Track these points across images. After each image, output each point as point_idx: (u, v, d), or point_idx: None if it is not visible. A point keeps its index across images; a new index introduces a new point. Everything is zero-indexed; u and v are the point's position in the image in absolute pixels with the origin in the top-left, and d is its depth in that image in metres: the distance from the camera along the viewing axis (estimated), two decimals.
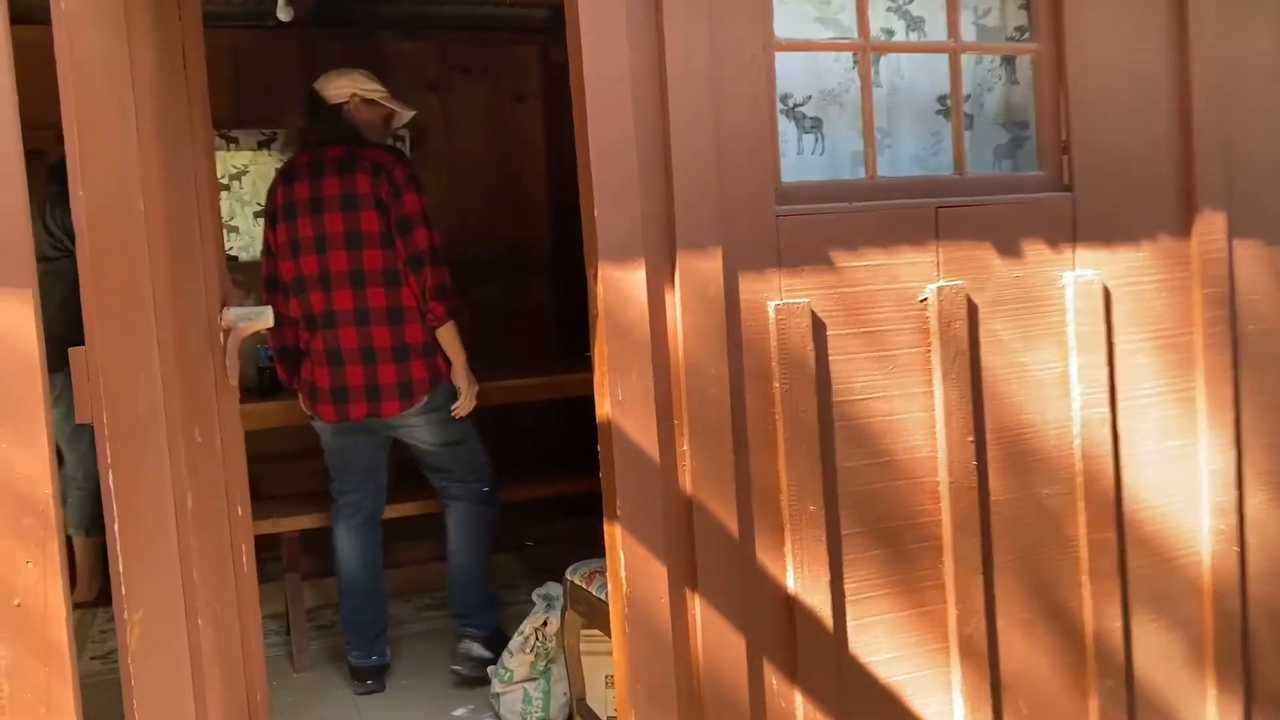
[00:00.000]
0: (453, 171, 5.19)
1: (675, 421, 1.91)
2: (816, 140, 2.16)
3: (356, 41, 4.95)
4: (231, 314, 2.22)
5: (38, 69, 1.76)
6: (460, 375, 3.05)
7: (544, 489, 3.81)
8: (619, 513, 1.87)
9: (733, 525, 1.93)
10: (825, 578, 2.00)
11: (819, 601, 2.00)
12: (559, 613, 2.63)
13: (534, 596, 2.77)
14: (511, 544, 4.04)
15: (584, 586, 2.37)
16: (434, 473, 3.23)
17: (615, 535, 1.90)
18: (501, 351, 5.27)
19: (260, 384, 3.59)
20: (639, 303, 1.86)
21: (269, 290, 3.12)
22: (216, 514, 2.15)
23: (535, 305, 5.33)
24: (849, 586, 2.05)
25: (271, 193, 3.16)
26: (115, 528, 1.60)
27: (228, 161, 4.81)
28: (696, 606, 1.92)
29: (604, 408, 1.88)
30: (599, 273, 1.85)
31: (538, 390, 3.76)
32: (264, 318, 2.24)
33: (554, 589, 2.74)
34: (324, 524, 3.31)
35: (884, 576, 2.09)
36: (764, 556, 1.98)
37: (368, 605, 3.15)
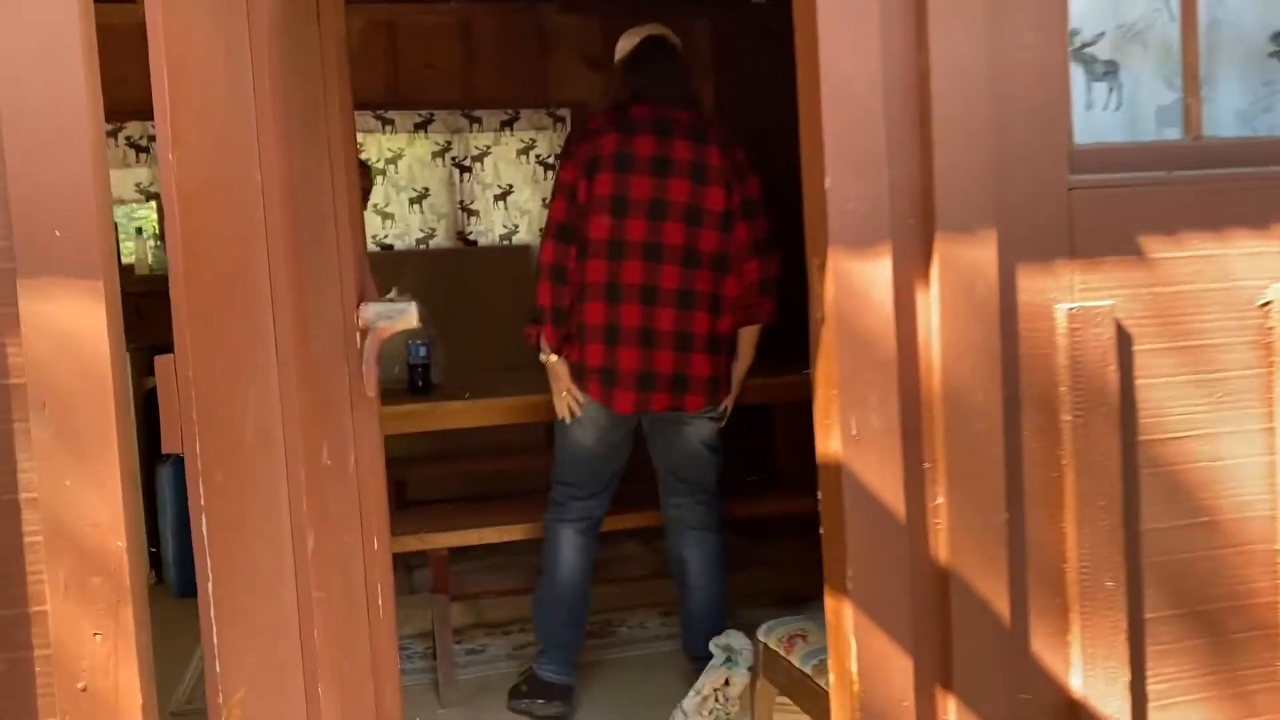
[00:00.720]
0: None
1: (927, 465, 1.41)
2: (1110, 90, 1.62)
3: (517, 16, 4.61)
4: (370, 311, 1.85)
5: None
6: (740, 378, 2.75)
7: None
8: (850, 585, 1.39)
9: (1001, 605, 1.42)
10: (1123, 676, 1.47)
11: (1115, 708, 1.47)
12: (742, 669, 2.18)
13: (712, 646, 2.33)
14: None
15: (782, 654, 1.91)
16: (681, 486, 2.81)
17: (843, 614, 1.42)
18: None
19: (411, 382, 3.27)
20: (882, 306, 1.37)
21: (559, 239, 2.62)
22: (347, 551, 1.79)
23: None
24: (1154, 688, 1.51)
25: (591, 136, 2.63)
26: (209, 588, 1.24)
27: (383, 145, 4.55)
28: (951, 712, 1.42)
29: (829, 444, 1.41)
30: (828, 264, 1.37)
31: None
32: (407, 316, 1.86)
33: (736, 639, 2.29)
34: (479, 541, 2.96)
35: (1201, 675, 1.53)
36: (1040, 647, 1.46)
37: (575, 619, 2.79)
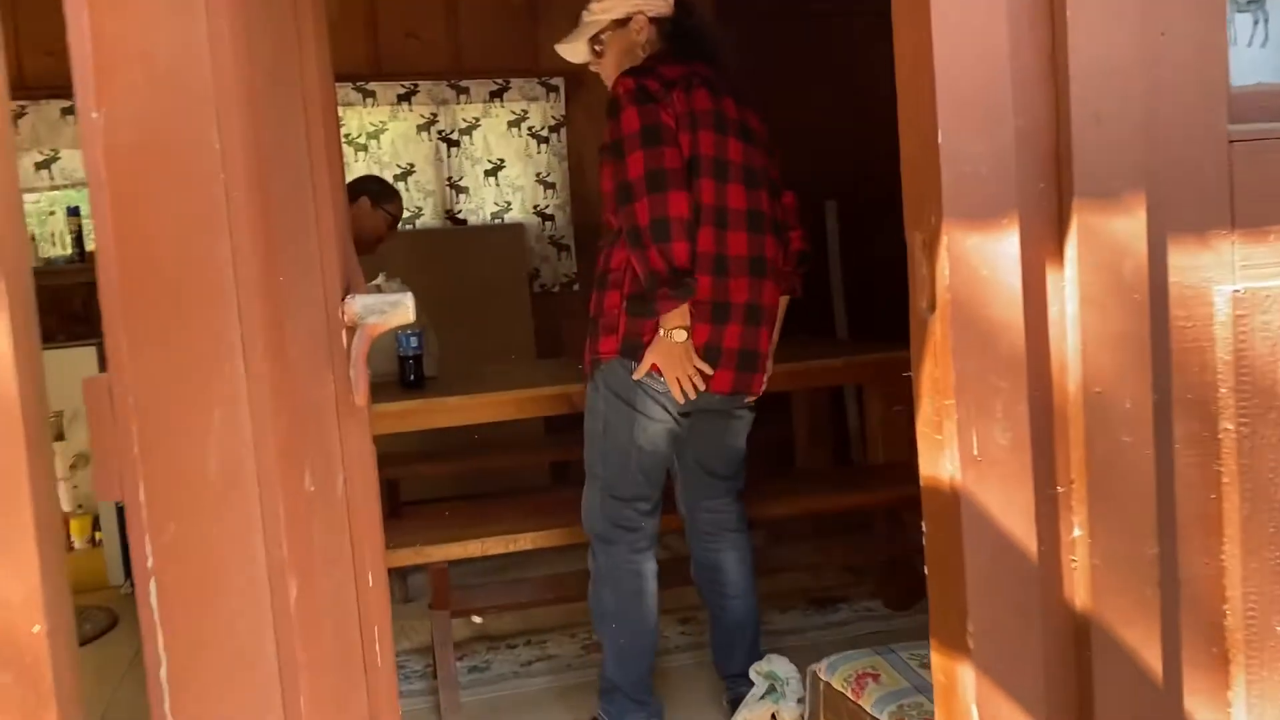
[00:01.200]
0: None
1: (1060, 490, 1.13)
2: (1256, 23, 1.34)
3: None
4: (358, 305, 1.55)
5: None
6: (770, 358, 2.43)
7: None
8: (971, 642, 1.11)
9: (1152, 658, 1.15)
10: None
11: None
12: (791, 703, 1.91)
13: (753, 674, 2.06)
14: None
15: (850, 697, 1.63)
16: (719, 485, 2.48)
17: (958, 676, 1.14)
18: None
19: (402, 376, 2.97)
20: (1010, 292, 1.09)
21: (685, 189, 2.12)
22: (336, 592, 1.50)
23: None
24: None
25: (678, 87, 2.19)
26: (163, 675, 0.95)
27: (364, 119, 4.22)
28: None
29: (940, 466, 1.13)
30: (941, 241, 1.08)
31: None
32: (402, 309, 1.56)
33: (781, 666, 2.02)
34: (482, 553, 2.67)
35: None
36: (1195, 705, 1.19)
37: (649, 669, 2.37)
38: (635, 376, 2.20)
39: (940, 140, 1.06)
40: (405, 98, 4.23)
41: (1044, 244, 1.10)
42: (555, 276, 4.39)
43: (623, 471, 2.27)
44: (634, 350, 2.20)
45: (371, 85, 4.18)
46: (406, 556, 2.61)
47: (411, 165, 4.25)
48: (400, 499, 3.70)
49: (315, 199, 1.57)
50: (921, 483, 1.15)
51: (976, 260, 1.07)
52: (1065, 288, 1.11)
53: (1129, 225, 1.10)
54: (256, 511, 1.23)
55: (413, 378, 2.95)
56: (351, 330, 1.57)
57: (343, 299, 1.57)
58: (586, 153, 4.44)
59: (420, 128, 4.25)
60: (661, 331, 2.15)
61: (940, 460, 1.12)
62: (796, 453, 3.60)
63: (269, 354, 1.29)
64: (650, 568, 2.31)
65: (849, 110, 4.72)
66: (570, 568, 3.28)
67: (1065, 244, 1.10)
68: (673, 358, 2.16)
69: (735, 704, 2.31)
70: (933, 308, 1.10)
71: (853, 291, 4.66)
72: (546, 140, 4.35)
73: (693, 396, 2.20)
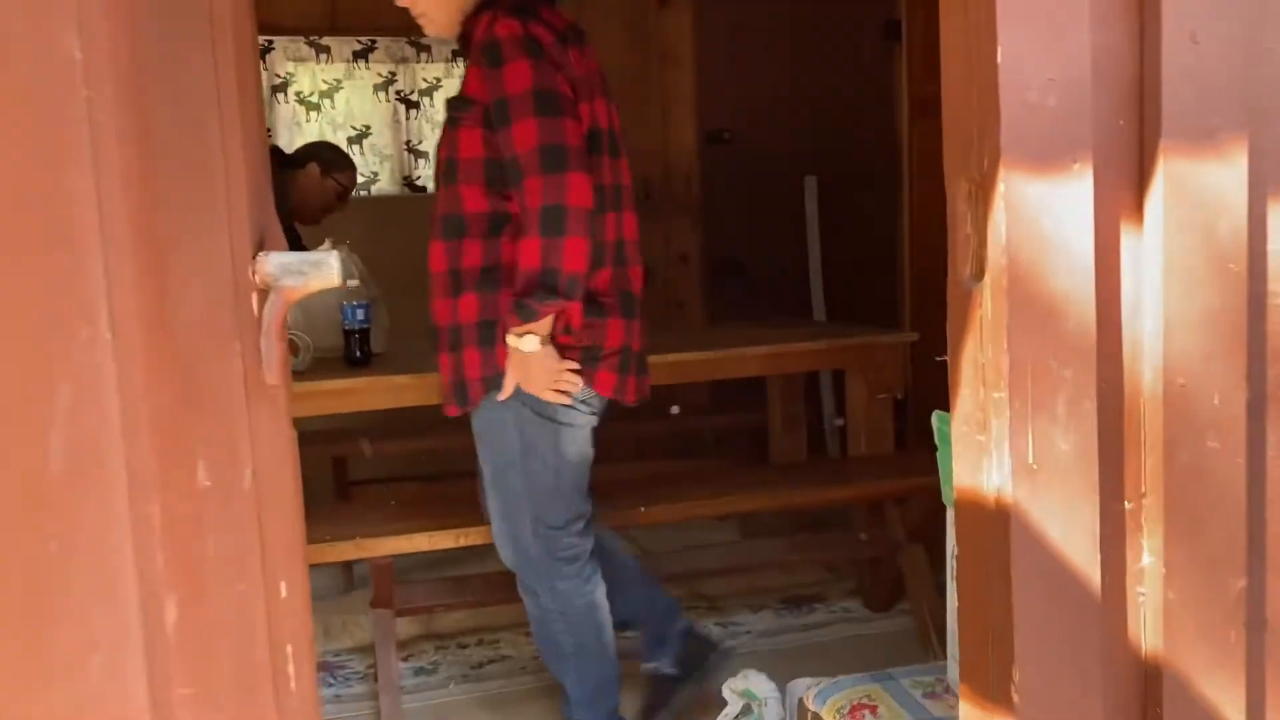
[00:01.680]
0: None
1: (1129, 506, 0.90)
2: None
3: None
4: (272, 264, 1.29)
5: None
6: None
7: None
8: (1016, 695, 0.88)
9: (1235, 714, 0.93)
10: None
11: None
12: None
13: (726, 692, 1.83)
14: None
15: None
16: (590, 501, 2.08)
17: None
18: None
19: (348, 352, 2.70)
20: (1079, 254, 0.85)
21: (588, 170, 1.75)
22: (240, 606, 1.25)
23: (675, 253, 4.36)
24: None
25: (558, 46, 1.79)
26: None
27: (317, 76, 3.92)
28: None
29: (981, 475, 0.89)
30: (997, 187, 0.85)
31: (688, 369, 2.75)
32: (325, 270, 1.30)
33: (759, 684, 1.79)
34: (430, 546, 2.42)
35: None
36: None
37: (618, 691, 2.08)
38: (500, 397, 1.82)
39: (1000, 59, 0.82)
40: (362, 55, 3.93)
41: (1120, 196, 0.87)
42: None
43: (554, 493, 1.89)
44: None
45: (326, 40, 3.88)
46: (346, 550, 2.35)
47: (368, 127, 3.96)
48: (348, 479, 3.45)
49: (223, 134, 1.30)
50: (956, 495, 0.92)
51: (1040, 214, 0.84)
52: (1144, 253, 0.88)
53: (1227, 176, 0.87)
54: (124, 516, 0.98)
55: (359, 354, 2.67)
56: (264, 294, 1.31)
57: (254, 256, 1.31)
58: None
59: (378, 87, 3.96)
60: (510, 339, 1.76)
61: (982, 468, 0.89)
62: (771, 441, 3.37)
63: (145, 318, 1.04)
64: (602, 592, 1.98)
65: (826, 78, 4.49)
66: None
67: (1146, 197, 0.87)
68: (533, 370, 1.78)
69: (654, 677, 2.11)
70: (980, 275, 0.87)
71: (831, 272, 4.44)
72: None
73: (566, 401, 1.84)
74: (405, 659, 2.71)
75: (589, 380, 1.86)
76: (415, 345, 2.94)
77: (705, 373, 2.76)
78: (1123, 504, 0.89)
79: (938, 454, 1.28)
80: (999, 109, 0.82)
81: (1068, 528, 0.86)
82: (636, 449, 4.26)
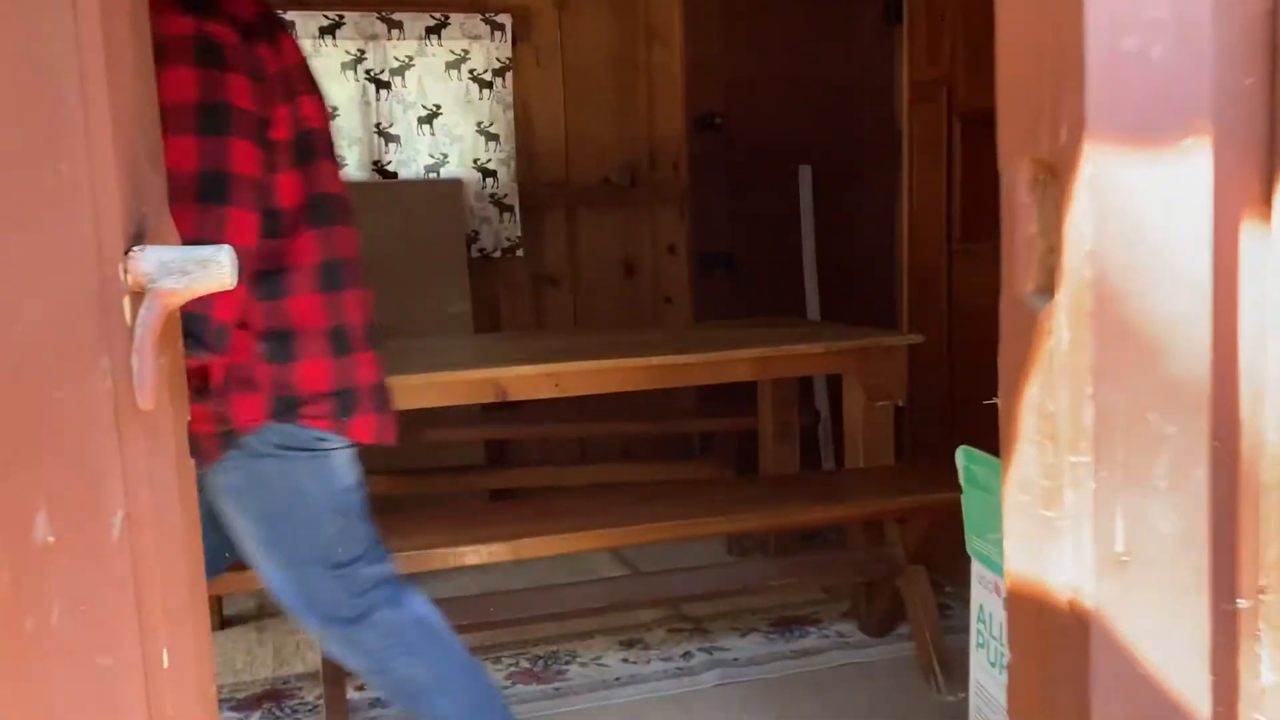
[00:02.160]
0: (567, 71, 3.96)
1: (1243, 605, 0.67)
2: None
3: None
4: (149, 261, 1.05)
5: None
6: None
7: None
8: None
9: None
10: None
11: None
12: None
13: None
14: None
15: None
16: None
17: None
18: (615, 305, 4.09)
19: None
20: (1192, 265, 0.62)
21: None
22: (100, 685, 1.01)
23: (662, 245, 4.11)
24: None
25: (231, 52, 1.44)
26: None
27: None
28: None
29: (1046, 562, 0.65)
30: (1079, 168, 0.61)
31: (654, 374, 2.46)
32: (215, 269, 1.06)
33: None
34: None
35: None
36: None
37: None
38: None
39: None
40: (329, 30, 3.66)
41: (1243, 186, 0.63)
42: (497, 240, 3.87)
43: (344, 531, 1.65)
44: (291, 410, 1.55)
45: (290, 14, 3.61)
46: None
47: (334, 109, 3.69)
48: None
49: (85, 100, 1.05)
50: (1010, 586, 0.68)
51: (1141, 208, 0.60)
52: (1273, 263, 0.64)
53: None
54: None
55: None
56: (139, 297, 1.07)
57: (126, 251, 1.07)
58: (535, 101, 3.92)
59: (345, 66, 3.69)
60: None
61: (1050, 556, 0.65)
62: (761, 451, 3.14)
63: None
64: (423, 599, 1.72)
65: (823, 61, 4.24)
66: (505, 583, 2.80)
67: (1278, 186, 0.63)
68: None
69: None
70: (1050, 290, 0.63)
71: (825, 267, 4.20)
72: (490, 85, 3.81)
73: None
74: (359, 688, 2.47)
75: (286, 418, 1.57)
76: (387, 346, 2.69)
77: (692, 378, 2.52)
78: (1234, 601, 0.66)
79: (963, 497, 1.04)
80: (1083, 62, 0.58)
81: (1167, 638, 0.63)
82: (620, 451, 4.03)
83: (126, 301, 1.06)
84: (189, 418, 1.24)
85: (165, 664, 1.10)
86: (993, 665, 1.42)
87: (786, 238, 4.18)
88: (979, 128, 3.98)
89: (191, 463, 1.18)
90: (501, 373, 2.36)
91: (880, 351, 2.62)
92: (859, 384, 2.62)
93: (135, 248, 1.06)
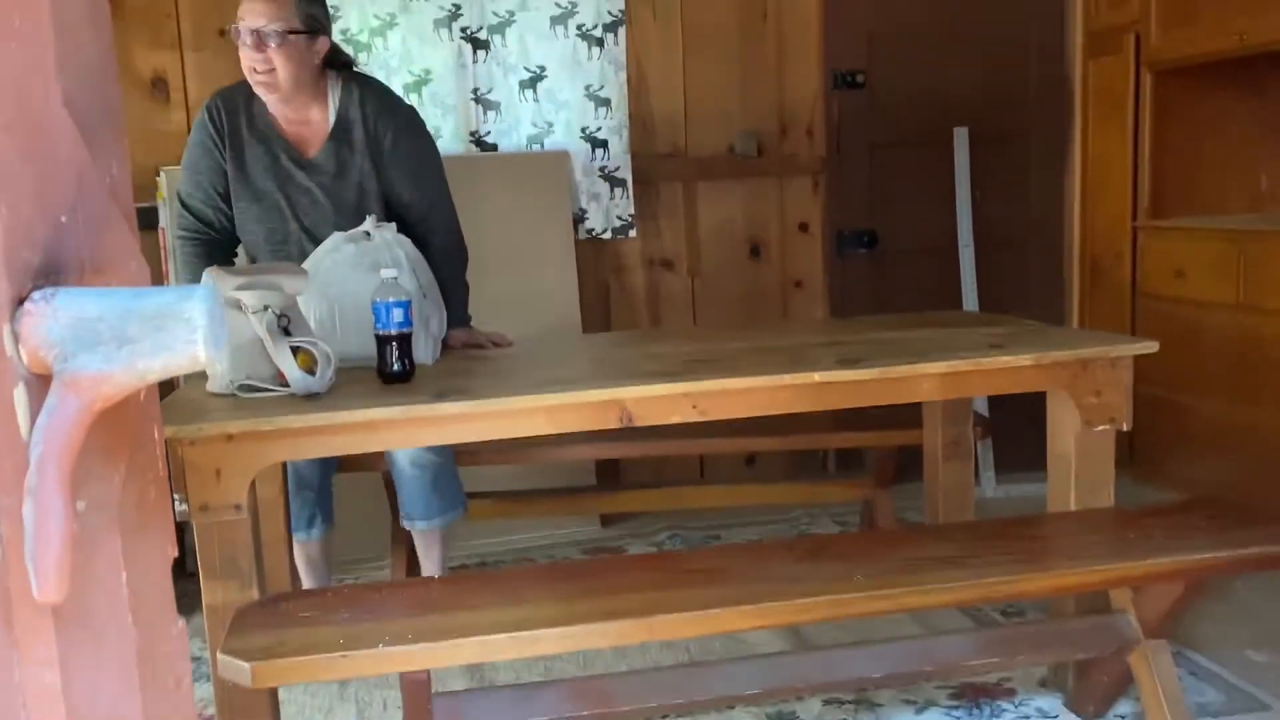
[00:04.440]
0: (686, 26, 3.40)
1: None
2: None
3: None
4: (58, 322, 0.55)
5: None
6: None
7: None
8: None
9: None
10: None
11: None
12: None
13: None
14: None
15: None
16: None
17: None
18: (739, 290, 3.53)
19: (382, 364, 1.97)
20: None
21: None
22: None
23: (792, 222, 3.53)
24: None
25: None
26: None
27: (367, 10, 3.18)
28: None
29: None
30: None
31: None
32: (179, 332, 0.57)
33: None
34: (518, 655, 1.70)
35: None
36: None
37: None
38: None
39: None
40: None
41: None
42: (607, 219, 3.36)
43: None
44: None
45: None
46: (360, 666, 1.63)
47: (427, 72, 3.22)
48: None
49: None
50: None
51: None
52: None
53: None
54: None
55: (396, 367, 1.95)
56: (41, 386, 0.57)
57: (18, 304, 0.56)
58: (650, 61, 3.38)
59: (439, 23, 3.21)
60: None
61: None
62: (927, 472, 2.58)
63: None
64: None
65: (981, 6, 3.58)
66: (614, 658, 2.29)
67: None
68: None
69: None
70: None
71: (980, 248, 3.58)
72: (600, 43, 3.28)
73: None
74: None
75: None
76: (478, 353, 2.21)
77: (865, 398, 1.97)
78: None
79: None
80: None
81: None
82: (740, 469, 3.49)
83: (19, 394, 0.57)
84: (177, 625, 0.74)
85: None
86: None
87: (937, 213, 3.57)
88: (1179, 81, 3.28)
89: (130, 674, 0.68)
90: (626, 393, 1.85)
91: (1103, 364, 2.03)
92: (1073, 403, 2.03)
93: (36, 293, 0.57)
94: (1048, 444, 2.12)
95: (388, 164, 2.21)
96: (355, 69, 2.32)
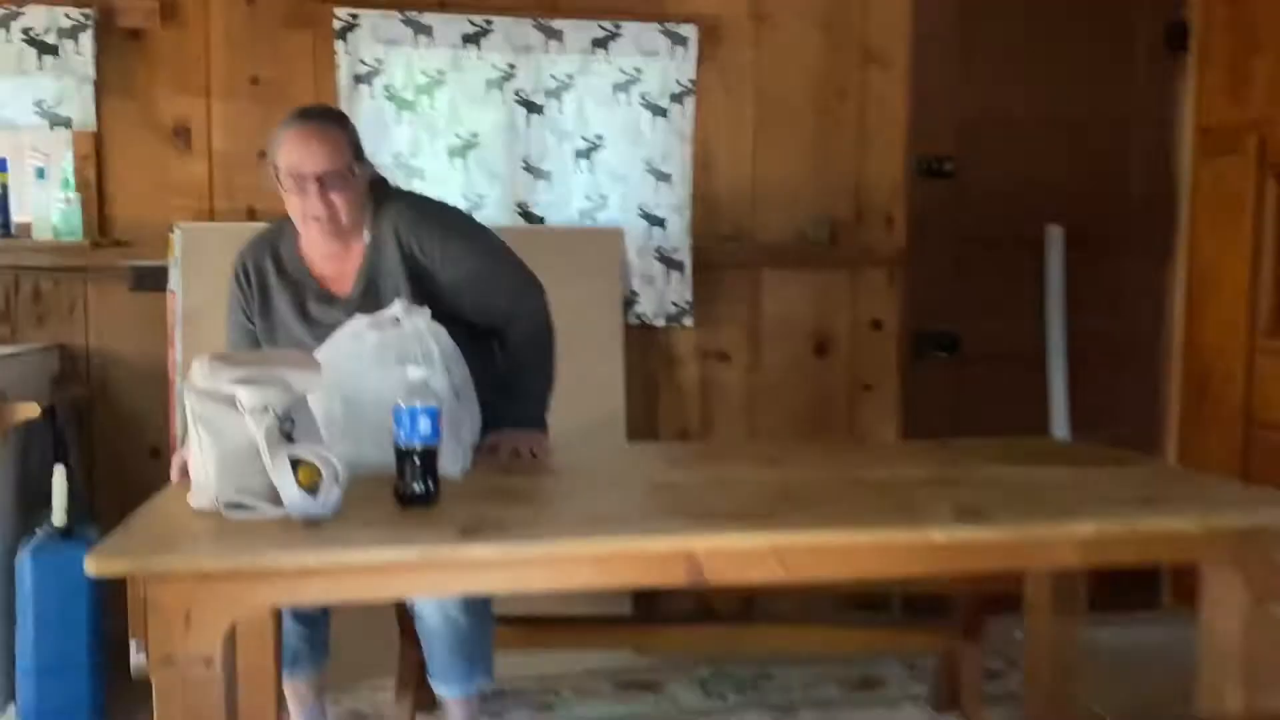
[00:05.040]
0: (760, 99, 3.10)
1: None
2: None
3: None
4: None
5: None
6: None
7: None
8: None
9: None
10: None
11: None
12: None
13: None
14: None
15: None
16: None
17: None
18: (800, 390, 3.16)
19: (402, 484, 1.62)
20: None
21: None
22: None
23: (864, 318, 3.18)
24: None
25: None
26: None
27: (414, 65, 2.91)
28: None
29: None
30: None
31: None
32: None
33: None
34: None
35: None
36: None
37: None
38: None
39: None
40: (473, 39, 2.90)
41: None
42: (661, 305, 3.03)
43: None
44: None
45: (427, 18, 2.87)
46: None
47: (475, 135, 2.93)
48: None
49: None
50: None
51: None
52: None
53: None
54: None
55: (416, 489, 1.60)
56: None
57: None
58: (719, 134, 3.08)
59: (490, 84, 2.92)
60: None
61: None
62: (1029, 625, 2.18)
63: None
64: None
65: (1083, 96, 3.27)
66: None
67: None
68: None
69: None
70: None
71: (1073, 359, 3.21)
72: (664, 113, 2.99)
73: None
74: None
75: None
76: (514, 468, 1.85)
77: (988, 561, 1.60)
78: None
79: None
80: None
81: None
82: (790, 598, 3.07)
83: None
84: None
85: None
86: None
87: (1025, 317, 3.21)
88: None
89: None
90: (697, 543, 1.49)
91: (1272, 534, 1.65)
92: (1239, 578, 1.65)
93: None
94: (1200, 621, 1.73)
95: (445, 285, 1.93)
96: (385, 182, 2.06)
